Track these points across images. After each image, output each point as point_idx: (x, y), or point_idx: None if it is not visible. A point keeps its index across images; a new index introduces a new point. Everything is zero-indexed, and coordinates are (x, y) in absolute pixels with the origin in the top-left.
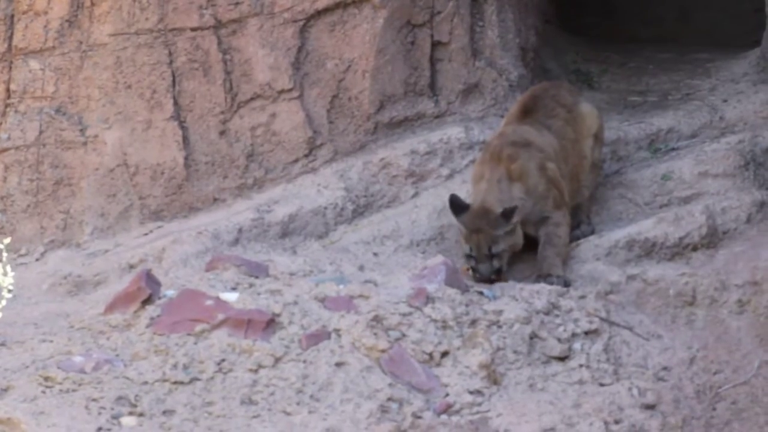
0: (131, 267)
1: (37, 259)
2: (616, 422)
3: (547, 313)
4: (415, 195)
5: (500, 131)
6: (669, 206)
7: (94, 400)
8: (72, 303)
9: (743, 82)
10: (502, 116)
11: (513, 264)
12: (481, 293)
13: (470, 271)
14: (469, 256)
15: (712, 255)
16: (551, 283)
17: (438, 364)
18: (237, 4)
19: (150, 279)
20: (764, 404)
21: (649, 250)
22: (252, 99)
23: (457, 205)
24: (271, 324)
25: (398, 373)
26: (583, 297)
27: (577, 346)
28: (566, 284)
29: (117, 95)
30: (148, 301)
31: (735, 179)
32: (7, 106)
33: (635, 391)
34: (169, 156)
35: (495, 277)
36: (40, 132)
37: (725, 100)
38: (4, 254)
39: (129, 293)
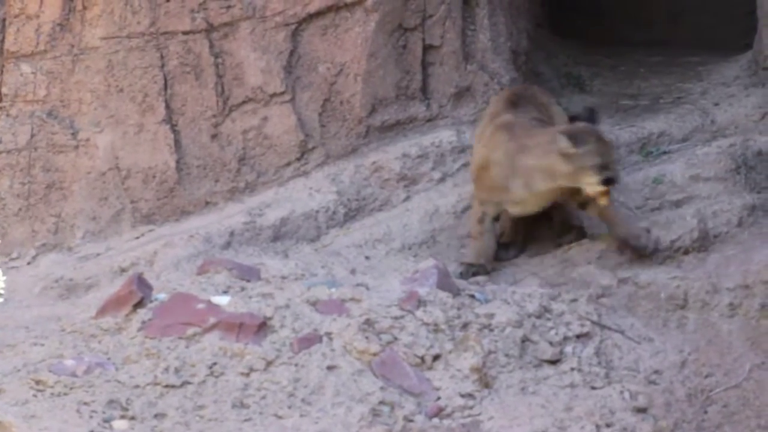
0: (123, 270)
1: (28, 263)
2: (608, 426)
3: (538, 317)
4: (407, 198)
5: (497, 119)
6: (661, 210)
7: (85, 403)
8: (63, 306)
9: (735, 85)
10: None
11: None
12: (472, 296)
13: (601, 185)
14: (605, 168)
15: (704, 258)
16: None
17: (430, 368)
18: (229, 7)
19: (141, 282)
20: (755, 407)
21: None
22: (244, 102)
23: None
24: (262, 327)
25: (390, 376)
26: (574, 300)
27: (568, 349)
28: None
29: (109, 99)
30: (139, 304)
31: (726, 183)
32: None
33: (627, 395)
34: (161, 159)
35: None
36: (32, 135)
37: (717, 104)
38: None
39: (120, 297)
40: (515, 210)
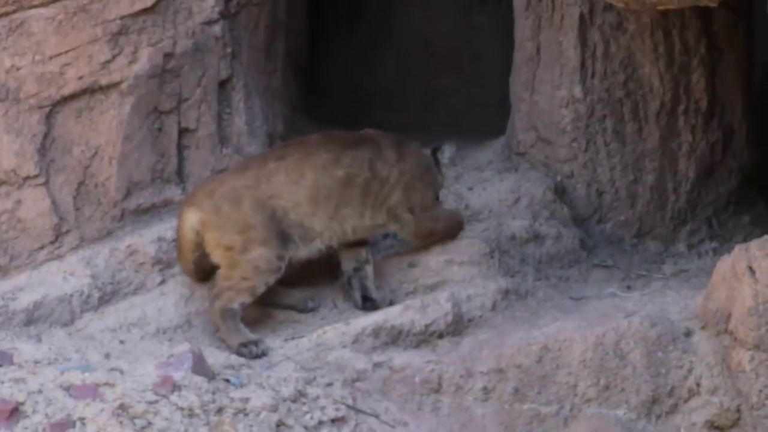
0: None
1: None
2: None
3: (294, 401)
4: (162, 282)
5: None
6: (415, 294)
7: None
8: None
9: (488, 170)
10: None
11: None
12: (228, 381)
13: None
14: None
15: (458, 342)
16: None
17: None
18: None
19: None
20: None
21: (395, 337)
22: None
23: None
24: (14, 413)
25: None
26: (330, 384)
27: None
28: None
29: None
30: None
31: (480, 267)
32: None
33: None
34: None
35: None
36: None
37: (470, 188)
38: None
39: None
40: None
